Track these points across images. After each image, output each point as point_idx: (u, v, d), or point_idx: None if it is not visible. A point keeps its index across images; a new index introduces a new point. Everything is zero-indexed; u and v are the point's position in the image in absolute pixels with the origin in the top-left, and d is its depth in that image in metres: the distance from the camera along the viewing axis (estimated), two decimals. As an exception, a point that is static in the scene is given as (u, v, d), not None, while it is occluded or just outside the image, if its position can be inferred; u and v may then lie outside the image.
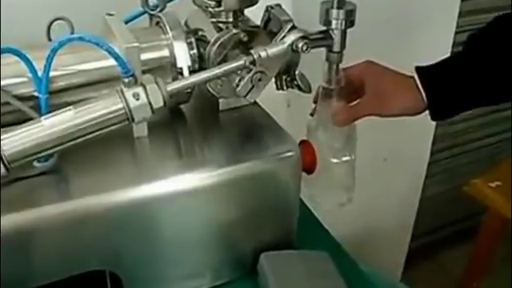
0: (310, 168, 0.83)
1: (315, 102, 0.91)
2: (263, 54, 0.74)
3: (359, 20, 0.84)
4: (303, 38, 0.77)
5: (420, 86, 0.89)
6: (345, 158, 0.88)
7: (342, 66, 0.87)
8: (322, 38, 0.85)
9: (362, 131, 0.97)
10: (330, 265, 0.83)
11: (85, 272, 0.72)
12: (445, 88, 0.89)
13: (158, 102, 0.70)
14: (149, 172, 0.75)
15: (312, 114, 0.92)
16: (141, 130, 0.80)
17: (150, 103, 0.69)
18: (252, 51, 0.74)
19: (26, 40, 0.73)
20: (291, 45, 0.76)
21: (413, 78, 0.91)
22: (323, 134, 0.88)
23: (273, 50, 0.75)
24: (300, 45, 0.76)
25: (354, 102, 0.91)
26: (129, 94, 0.69)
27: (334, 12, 0.81)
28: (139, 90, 0.69)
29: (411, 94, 0.90)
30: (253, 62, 0.74)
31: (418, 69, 0.91)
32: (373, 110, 0.91)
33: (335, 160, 0.87)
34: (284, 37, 0.77)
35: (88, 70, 0.77)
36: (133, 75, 0.69)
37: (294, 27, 0.78)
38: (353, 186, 0.92)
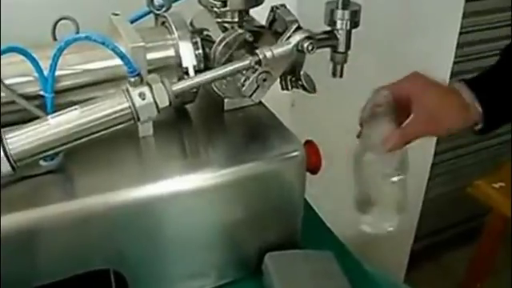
0: (314, 168, 0.83)
1: (361, 124, 0.86)
2: (268, 54, 0.74)
3: (363, 20, 0.84)
4: (308, 38, 0.77)
5: (475, 100, 0.86)
6: (396, 178, 0.84)
7: (387, 83, 0.85)
8: (327, 39, 0.85)
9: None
10: (335, 265, 0.83)
11: (89, 271, 0.72)
12: (497, 99, 0.87)
13: (164, 102, 0.70)
14: (153, 172, 0.75)
15: (358, 136, 0.87)
16: (146, 130, 0.80)
17: (155, 103, 0.69)
18: (257, 51, 0.74)
19: (30, 40, 0.73)
20: (296, 45, 0.77)
21: (458, 92, 0.87)
22: (373, 158, 0.84)
23: (278, 50, 0.75)
24: (305, 45, 0.76)
25: (405, 123, 0.85)
26: (135, 93, 0.69)
27: (339, 12, 0.81)
28: (145, 89, 0.69)
29: (464, 114, 0.86)
30: (258, 62, 0.74)
31: (467, 82, 0.88)
32: (425, 131, 0.87)
33: (387, 182, 0.83)
34: (289, 37, 0.77)
35: (93, 69, 0.77)
36: (139, 74, 0.69)
37: (299, 27, 0.78)
38: (406, 206, 0.86)
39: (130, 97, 0.69)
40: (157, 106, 0.70)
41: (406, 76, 0.87)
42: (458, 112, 0.85)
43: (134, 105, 0.69)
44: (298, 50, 0.77)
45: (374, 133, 0.83)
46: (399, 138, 0.82)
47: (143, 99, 0.69)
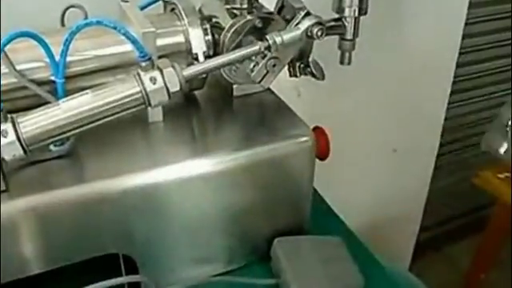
0: (323, 154, 0.83)
1: None
2: (278, 39, 0.74)
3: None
4: (318, 24, 0.77)
5: None
6: None
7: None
8: (335, 26, 0.85)
9: (372, 122, 0.97)
10: (344, 250, 0.84)
11: (99, 255, 0.73)
12: None
13: (175, 86, 0.70)
14: (163, 156, 0.76)
15: None
16: (156, 115, 0.80)
17: (166, 87, 0.70)
18: (267, 36, 0.75)
19: (39, 29, 0.73)
20: (306, 31, 0.77)
21: None
22: None
23: (288, 35, 0.75)
24: (315, 31, 0.76)
25: None
26: (146, 77, 0.69)
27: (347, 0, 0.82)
28: (156, 73, 0.69)
29: None
30: (268, 48, 0.75)
31: None
32: None
33: None
34: (299, 23, 0.77)
35: (104, 55, 0.77)
36: (150, 59, 0.70)
37: (308, 13, 0.78)
38: None
39: (141, 81, 0.69)
40: (168, 91, 0.70)
41: None
42: None
43: (145, 89, 0.69)
44: (308, 35, 0.77)
45: None
46: None
47: (154, 84, 0.69)
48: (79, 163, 0.75)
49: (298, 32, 0.76)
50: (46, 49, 0.70)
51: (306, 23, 0.77)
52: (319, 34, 0.77)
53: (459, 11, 1.65)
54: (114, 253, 0.75)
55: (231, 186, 0.77)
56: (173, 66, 0.70)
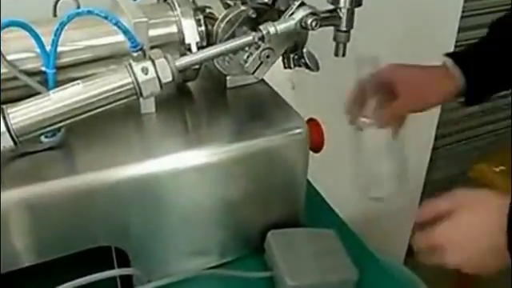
0: (317, 146, 0.82)
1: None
2: (272, 29, 0.74)
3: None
4: (312, 14, 0.76)
5: (458, 71, 0.91)
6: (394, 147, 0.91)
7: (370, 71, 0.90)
8: (330, 17, 0.85)
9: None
10: (337, 243, 0.83)
11: (91, 248, 0.72)
12: (481, 71, 0.92)
13: (167, 77, 0.69)
14: (156, 148, 0.75)
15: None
16: (148, 107, 0.79)
17: (158, 77, 0.69)
18: (261, 27, 0.74)
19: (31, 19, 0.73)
20: (300, 21, 0.76)
21: (440, 66, 0.93)
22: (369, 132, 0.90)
23: (281, 25, 0.75)
24: (309, 21, 0.76)
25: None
26: (137, 68, 0.68)
27: (343, -10, 0.81)
28: (148, 64, 0.69)
29: (444, 82, 0.92)
30: (261, 38, 0.74)
31: (451, 55, 0.93)
32: (414, 105, 0.92)
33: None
34: (293, 13, 0.77)
35: (96, 45, 0.77)
36: (141, 49, 0.69)
37: (302, 3, 0.77)
38: (406, 176, 0.93)
39: (133, 72, 0.68)
40: (160, 81, 0.69)
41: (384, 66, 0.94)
42: (442, 84, 0.92)
43: (136, 80, 0.68)
44: (302, 26, 0.76)
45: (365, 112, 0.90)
46: (388, 115, 0.90)
47: (146, 74, 0.68)
48: (71, 155, 0.74)
49: (293, 22, 0.76)
50: (37, 39, 0.69)
51: (301, 13, 0.76)
52: (313, 24, 0.76)
53: (456, 4, 1.65)
54: (107, 245, 0.74)
55: (225, 178, 0.77)
56: (165, 57, 0.70)
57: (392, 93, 0.91)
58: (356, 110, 0.92)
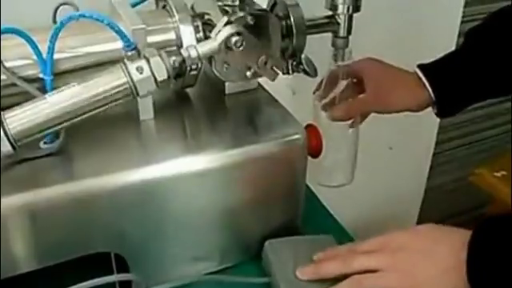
0: (315, 152, 0.82)
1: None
2: (193, 52, 0.72)
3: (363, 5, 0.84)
4: (237, 34, 0.73)
5: (426, 84, 0.90)
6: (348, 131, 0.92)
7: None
8: (328, 23, 0.85)
9: (367, 119, 0.97)
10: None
11: (90, 254, 0.72)
12: (451, 84, 0.90)
13: (162, 75, 0.69)
14: (155, 154, 0.75)
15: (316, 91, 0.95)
16: (147, 113, 0.80)
17: (153, 76, 0.69)
18: (182, 50, 0.72)
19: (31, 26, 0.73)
20: (225, 41, 0.73)
21: (414, 74, 0.92)
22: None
23: (204, 48, 0.73)
24: (233, 41, 0.73)
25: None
26: (132, 67, 0.69)
27: (341, -4, 0.81)
28: (142, 63, 0.69)
29: (413, 91, 0.91)
30: (183, 62, 0.72)
31: (422, 66, 0.92)
32: (372, 106, 0.92)
33: (338, 134, 0.92)
34: (219, 32, 0.74)
35: (94, 52, 0.77)
36: (135, 49, 0.69)
37: (229, 22, 0.75)
38: (354, 163, 0.95)
39: (128, 71, 0.69)
40: (155, 80, 0.69)
41: (362, 58, 0.93)
42: (408, 88, 0.91)
43: (131, 79, 0.69)
44: (227, 46, 0.74)
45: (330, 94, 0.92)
46: (344, 112, 0.90)
47: (141, 73, 0.69)
48: (70, 161, 0.74)
49: (215, 44, 0.73)
50: (33, 45, 0.70)
51: (225, 33, 0.73)
52: (238, 44, 0.73)
53: (455, 10, 1.65)
54: (105, 252, 0.74)
55: (223, 184, 0.77)
56: (160, 55, 0.70)
57: (361, 85, 0.92)
58: (322, 92, 0.93)
